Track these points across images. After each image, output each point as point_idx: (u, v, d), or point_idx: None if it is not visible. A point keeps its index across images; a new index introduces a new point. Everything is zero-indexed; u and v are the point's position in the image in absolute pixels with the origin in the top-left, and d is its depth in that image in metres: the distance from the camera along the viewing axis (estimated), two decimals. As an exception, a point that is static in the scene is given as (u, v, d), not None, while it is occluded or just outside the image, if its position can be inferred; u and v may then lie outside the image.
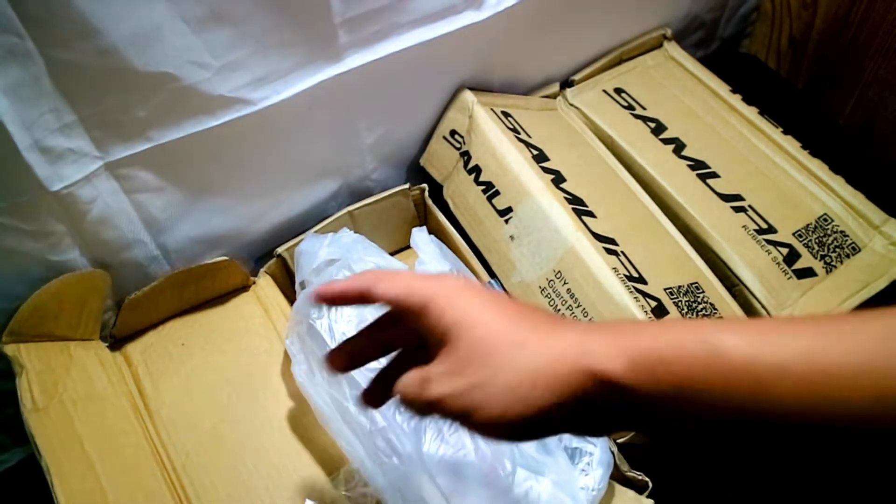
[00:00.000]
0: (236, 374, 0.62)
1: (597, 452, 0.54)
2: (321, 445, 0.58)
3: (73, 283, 0.59)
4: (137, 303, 0.62)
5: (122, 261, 0.63)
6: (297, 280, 0.63)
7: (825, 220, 0.68)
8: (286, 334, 0.57)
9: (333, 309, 0.56)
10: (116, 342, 0.64)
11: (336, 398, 0.52)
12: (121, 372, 0.62)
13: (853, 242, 0.67)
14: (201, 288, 0.66)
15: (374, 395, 0.39)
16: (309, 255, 0.61)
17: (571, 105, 0.78)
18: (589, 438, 0.54)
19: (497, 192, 0.66)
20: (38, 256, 0.57)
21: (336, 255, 0.61)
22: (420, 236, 0.65)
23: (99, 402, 0.57)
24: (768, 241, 0.66)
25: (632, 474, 0.55)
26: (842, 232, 0.67)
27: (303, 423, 0.59)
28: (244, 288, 0.69)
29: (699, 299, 0.61)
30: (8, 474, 0.70)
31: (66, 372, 0.57)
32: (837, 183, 0.70)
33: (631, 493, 0.56)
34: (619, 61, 0.82)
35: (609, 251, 0.61)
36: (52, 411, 0.54)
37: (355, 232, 0.73)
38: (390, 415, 0.51)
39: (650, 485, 0.55)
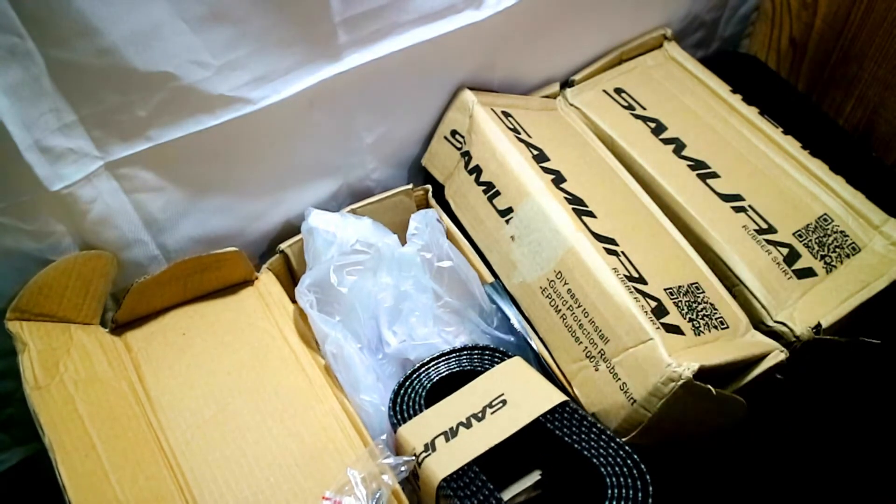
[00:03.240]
0: (237, 367, 0.62)
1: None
2: (323, 440, 0.58)
3: (82, 262, 0.59)
4: (145, 287, 0.62)
5: (122, 261, 0.63)
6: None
7: (825, 220, 0.68)
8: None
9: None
10: (116, 329, 0.64)
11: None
12: (121, 357, 0.61)
13: (853, 242, 0.67)
14: (206, 279, 0.66)
15: None
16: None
17: (571, 105, 0.78)
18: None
19: (497, 193, 0.66)
20: (37, 256, 0.58)
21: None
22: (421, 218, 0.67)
23: (100, 385, 0.57)
24: (768, 241, 0.66)
25: None
26: (842, 232, 0.67)
27: (305, 418, 0.59)
28: (247, 282, 0.69)
29: (699, 299, 0.61)
30: (8, 474, 0.70)
31: (66, 353, 0.57)
32: (837, 183, 0.70)
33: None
34: (620, 61, 0.82)
35: (609, 251, 0.61)
36: (54, 390, 0.54)
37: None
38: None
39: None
